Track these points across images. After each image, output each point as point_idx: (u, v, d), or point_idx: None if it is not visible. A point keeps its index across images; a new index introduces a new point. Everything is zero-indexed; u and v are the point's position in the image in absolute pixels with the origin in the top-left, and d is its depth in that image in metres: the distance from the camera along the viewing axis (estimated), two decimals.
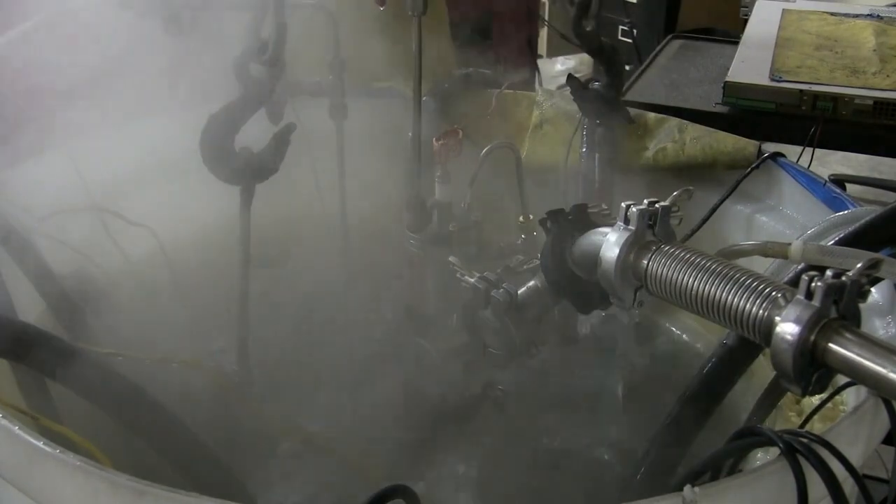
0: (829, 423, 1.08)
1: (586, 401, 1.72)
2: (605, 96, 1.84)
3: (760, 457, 1.15)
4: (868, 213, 1.30)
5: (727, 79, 2.29)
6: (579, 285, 1.19)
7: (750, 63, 2.40)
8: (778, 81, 2.28)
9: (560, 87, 2.08)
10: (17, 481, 1.03)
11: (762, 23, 2.79)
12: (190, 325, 1.72)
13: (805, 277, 0.86)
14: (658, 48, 2.90)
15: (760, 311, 0.90)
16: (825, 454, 0.93)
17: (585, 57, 3.53)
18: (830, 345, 0.85)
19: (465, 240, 1.55)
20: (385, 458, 1.55)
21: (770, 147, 1.85)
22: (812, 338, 0.86)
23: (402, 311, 1.67)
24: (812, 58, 2.45)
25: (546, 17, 3.35)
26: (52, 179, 1.66)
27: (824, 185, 1.67)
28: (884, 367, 0.82)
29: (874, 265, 0.90)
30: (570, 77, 1.84)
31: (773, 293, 0.90)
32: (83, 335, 1.50)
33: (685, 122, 1.93)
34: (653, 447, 1.25)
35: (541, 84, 2.54)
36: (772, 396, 1.30)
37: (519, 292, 1.28)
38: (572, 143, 1.90)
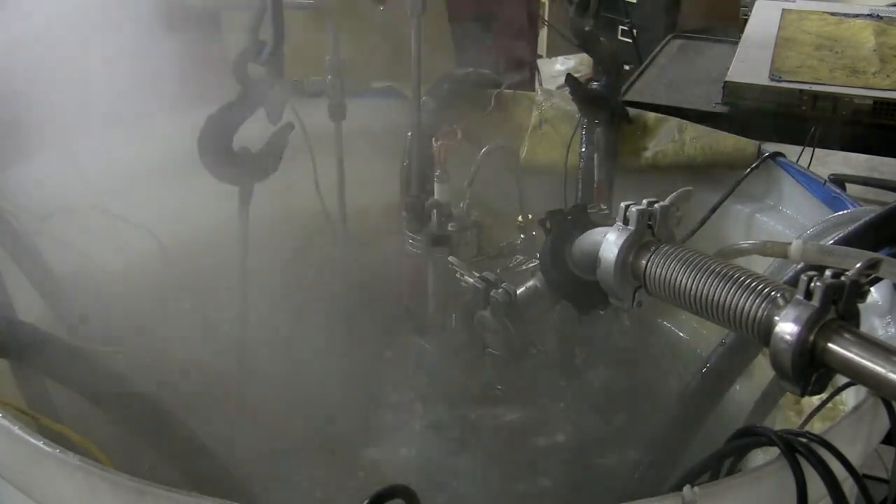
0: (828, 423, 1.08)
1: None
2: (604, 96, 1.84)
3: (760, 457, 1.15)
4: (867, 212, 1.30)
5: (727, 79, 2.29)
6: (579, 285, 1.19)
7: (750, 63, 2.40)
8: (778, 81, 2.27)
9: (560, 87, 2.08)
10: (17, 481, 1.03)
11: (762, 23, 2.79)
12: (189, 325, 1.72)
13: (804, 277, 0.86)
14: (658, 48, 2.90)
15: (759, 311, 0.90)
16: (825, 454, 0.93)
17: (585, 57, 3.53)
18: (829, 345, 0.85)
19: (464, 240, 1.55)
20: (384, 456, 1.55)
21: (770, 147, 1.85)
22: (811, 338, 0.86)
23: (401, 311, 1.67)
24: (812, 58, 2.45)
25: (546, 17, 3.35)
26: (52, 179, 1.66)
27: (824, 184, 1.67)
28: (883, 367, 0.82)
29: (873, 265, 0.90)
30: (569, 77, 1.84)
31: (773, 293, 0.90)
32: (83, 335, 1.50)
33: (685, 122, 1.93)
34: (652, 447, 1.25)
35: (540, 84, 2.54)
36: (771, 396, 1.30)
37: (518, 292, 1.28)
38: (572, 143, 1.90)
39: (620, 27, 4.03)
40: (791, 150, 2.01)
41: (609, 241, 1.06)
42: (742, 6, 4.05)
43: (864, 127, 2.21)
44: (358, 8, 1.91)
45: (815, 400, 1.26)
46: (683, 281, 0.97)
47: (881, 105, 2.18)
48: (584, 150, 1.89)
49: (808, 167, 1.86)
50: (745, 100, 2.27)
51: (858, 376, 0.84)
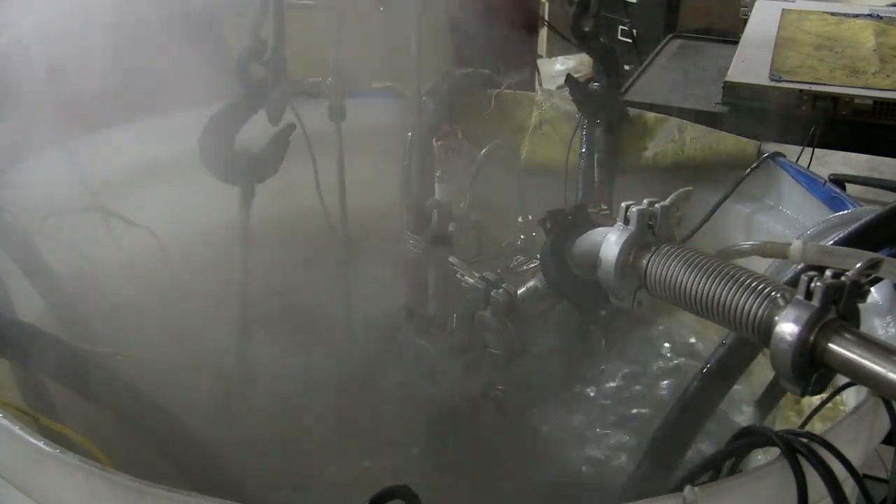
0: (829, 423, 1.08)
1: None
2: (604, 96, 1.84)
3: (760, 457, 1.15)
4: (867, 213, 1.30)
5: (727, 79, 2.29)
6: (579, 285, 1.19)
7: (750, 63, 2.40)
8: (778, 81, 2.27)
9: (560, 87, 2.08)
10: (17, 481, 1.03)
11: (762, 23, 2.79)
12: (189, 325, 1.72)
13: (804, 277, 0.86)
14: (658, 48, 2.90)
15: (760, 312, 0.90)
16: (825, 454, 0.93)
17: (585, 57, 3.53)
18: (830, 345, 0.85)
19: (465, 240, 1.55)
20: (385, 457, 1.55)
21: (770, 147, 1.85)
22: (811, 338, 0.86)
23: (401, 311, 1.67)
24: (812, 58, 2.45)
25: (546, 17, 3.35)
26: (52, 179, 1.66)
27: (824, 184, 1.67)
28: (883, 367, 0.82)
29: (874, 265, 0.90)
30: (569, 77, 1.84)
31: (773, 293, 0.90)
32: (83, 335, 1.50)
33: (685, 122, 1.93)
34: (652, 447, 1.25)
35: (540, 84, 2.54)
36: (772, 396, 1.30)
37: (519, 292, 1.28)
38: (572, 143, 1.90)
39: (620, 27, 4.02)
40: (791, 150, 2.01)
41: (609, 241, 1.06)
42: (742, 6, 4.05)
43: (864, 127, 2.21)
44: (358, 8, 1.91)
45: (816, 400, 1.27)
46: (684, 281, 0.97)
47: (881, 105, 2.18)
48: (584, 150, 1.89)
49: (808, 167, 1.86)
50: (745, 100, 2.27)
51: (859, 376, 0.84)
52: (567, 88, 1.85)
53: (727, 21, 3.97)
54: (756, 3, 3.06)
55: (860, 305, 0.89)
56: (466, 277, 1.35)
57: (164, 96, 1.76)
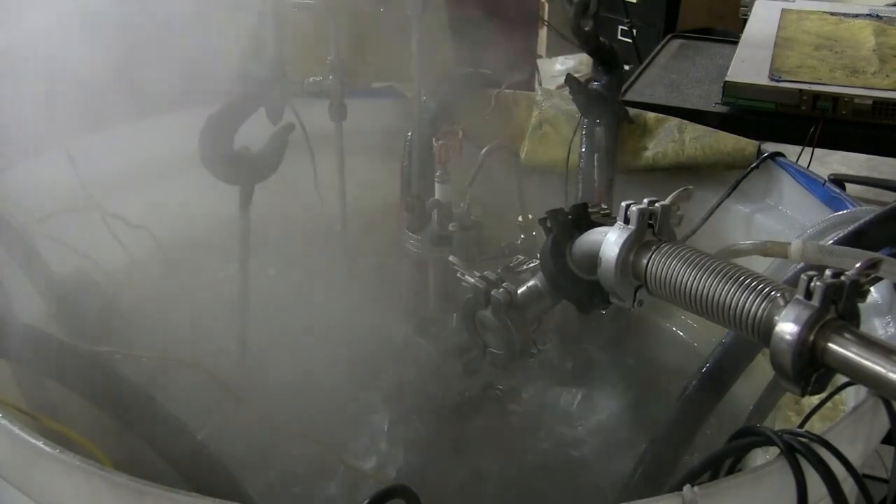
0: (828, 423, 1.08)
1: None
2: (604, 96, 1.84)
3: (760, 457, 1.15)
4: (867, 212, 1.30)
5: (727, 79, 2.29)
6: (579, 285, 1.19)
7: (750, 63, 2.41)
8: (778, 81, 2.28)
9: (560, 87, 2.09)
10: (17, 481, 1.03)
11: (762, 22, 2.79)
12: (189, 325, 1.72)
13: (804, 277, 0.86)
14: (658, 48, 2.90)
15: (760, 311, 0.90)
16: (825, 454, 0.93)
17: (585, 57, 3.53)
18: (829, 345, 0.85)
19: (464, 240, 1.55)
20: (384, 456, 1.55)
21: (770, 147, 1.85)
22: (811, 338, 0.86)
23: (401, 311, 1.67)
24: (812, 58, 2.45)
25: (546, 17, 3.35)
26: (52, 179, 1.66)
27: (823, 184, 1.67)
28: (883, 366, 0.82)
29: (873, 265, 0.90)
30: (569, 77, 1.84)
31: (773, 293, 0.90)
32: (83, 335, 1.50)
33: (685, 122, 1.93)
34: (651, 447, 1.25)
35: (540, 84, 2.54)
36: (771, 396, 1.30)
37: (519, 292, 1.28)
38: (572, 143, 1.90)
39: (620, 27, 4.03)
40: (791, 150, 2.01)
41: (610, 241, 1.06)
42: (742, 6, 4.06)
43: (863, 127, 2.22)
44: (358, 8, 1.91)
45: (815, 400, 1.27)
46: (684, 280, 0.97)
47: (881, 105, 2.18)
48: (584, 150, 1.89)
49: (808, 167, 1.86)
50: (745, 100, 2.27)
51: (858, 376, 0.84)
52: (567, 88, 1.85)
53: (727, 21, 3.98)
54: (756, 3, 3.07)
55: (860, 305, 0.89)
56: (466, 277, 1.35)
57: (164, 95, 1.76)
